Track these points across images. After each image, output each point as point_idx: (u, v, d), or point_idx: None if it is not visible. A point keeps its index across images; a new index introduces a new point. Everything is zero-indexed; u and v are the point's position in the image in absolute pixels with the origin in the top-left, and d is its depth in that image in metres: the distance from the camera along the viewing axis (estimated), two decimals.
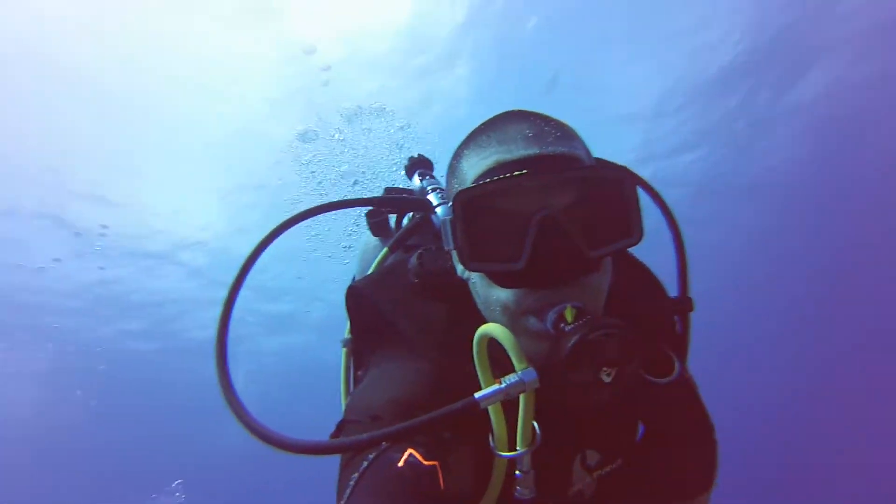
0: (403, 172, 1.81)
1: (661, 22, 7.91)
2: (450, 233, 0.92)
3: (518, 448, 0.88)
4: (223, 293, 1.09)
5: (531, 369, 0.82)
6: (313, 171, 8.22)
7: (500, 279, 0.90)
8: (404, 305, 1.08)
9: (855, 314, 13.17)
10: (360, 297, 1.13)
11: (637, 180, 1.10)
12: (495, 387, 0.83)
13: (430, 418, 0.82)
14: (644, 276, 1.19)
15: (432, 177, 1.67)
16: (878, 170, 10.25)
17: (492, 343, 0.88)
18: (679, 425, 1.11)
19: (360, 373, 1.14)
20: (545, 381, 0.82)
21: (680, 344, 1.17)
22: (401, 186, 1.68)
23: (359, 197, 1.37)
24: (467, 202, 0.88)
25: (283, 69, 8.43)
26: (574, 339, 0.78)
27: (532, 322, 0.88)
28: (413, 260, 1.12)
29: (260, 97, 8.72)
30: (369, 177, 7.85)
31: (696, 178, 10.33)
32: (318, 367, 11.46)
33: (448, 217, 0.92)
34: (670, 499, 1.11)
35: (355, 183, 7.87)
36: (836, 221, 11.47)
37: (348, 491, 0.79)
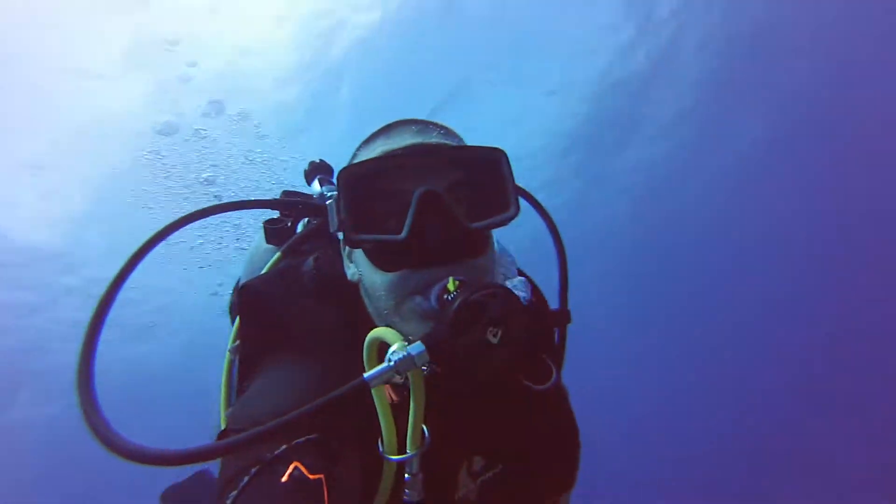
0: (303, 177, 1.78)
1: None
2: (334, 212, 0.93)
3: (407, 451, 0.87)
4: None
5: (419, 342, 0.80)
6: (171, 168, 8.36)
7: (384, 261, 0.90)
8: (297, 306, 1.06)
9: None
10: (253, 295, 1.09)
11: (522, 192, 1.17)
12: (384, 365, 0.80)
13: (318, 406, 0.77)
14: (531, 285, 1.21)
15: (332, 182, 1.66)
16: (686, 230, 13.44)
17: (382, 348, 0.86)
18: (550, 430, 1.16)
19: (245, 384, 1.07)
20: (434, 355, 0.80)
21: (557, 354, 1.21)
22: (296, 190, 1.64)
23: (254, 199, 1.35)
24: (350, 177, 0.90)
25: (146, 59, 8.42)
26: (457, 302, 0.79)
27: (418, 301, 0.88)
28: (309, 262, 1.11)
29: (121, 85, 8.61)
30: (227, 175, 8.09)
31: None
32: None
33: (333, 198, 0.94)
34: (537, 499, 1.15)
35: (209, 183, 8.04)
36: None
37: None
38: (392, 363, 0.79)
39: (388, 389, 0.97)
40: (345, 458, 0.89)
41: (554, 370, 1.12)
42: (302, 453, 0.81)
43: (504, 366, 0.81)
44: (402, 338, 0.83)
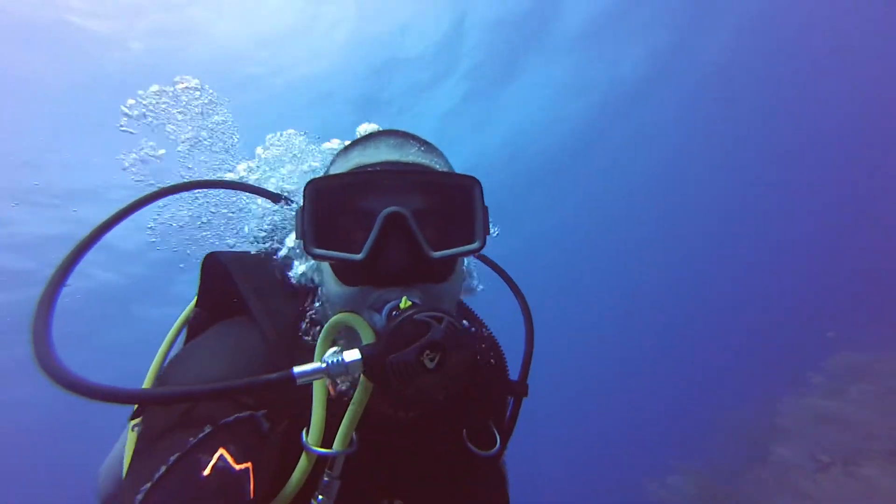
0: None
1: None
2: (298, 221, 0.91)
3: (335, 447, 0.83)
4: None
5: (356, 350, 0.79)
6: None
7: (344, 275, 0.88)
8: (259, 286, 1.02)
9: None
10: (215, 262, 1.07)
11: (484, 258, 1.23)
12: (317, 364, 0.79)
13: (240, 385, 0.75)
14: (495, 350, 1.19)
15: None
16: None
17: (348, 334, 0.88)
18: (482, 501, 1.13)
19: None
20: (367, 367, 0.78)
21: (507, 427, 1.17)
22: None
23: (219, 179, 1.34)
24: (317, 190, 0.88)
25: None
26: (400, 318, 0.77)
27: (374, 318, 0.85)
28: (282, 252, 1.09)
29: None
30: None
31: None
32: None
33: (299, 207, 0.93)
34: None
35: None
36: None
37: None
38: (325, 365, 0.78)
39: (329, 384, 0.92)
40: (273, 445, 0.85)
41: (498, 440, 1.08)
42: (230, 436, 0.76)
43: (433, 392, 0.78)
44: (369, 327, 0.82)
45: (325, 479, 0.85)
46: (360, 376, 0.82)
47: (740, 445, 8.90)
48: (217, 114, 2.10)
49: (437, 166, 0.96)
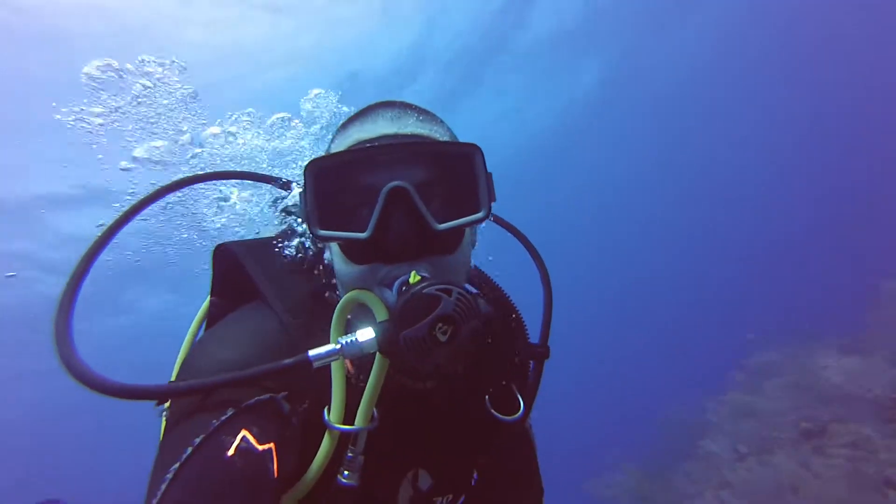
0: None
1: None
2: (301, 203, 0.90)
3: (357, 424, 0.83)
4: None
5: (370, 329, 0.80)
6: None
7: (352, 254, 0.88)
8: (269, 269, 1.03)
9: None
10: (225, 253, 1.07)
11: (501, 221, 1.19)
12: (332, 346, 0.80)
13: (258, 372, 0.78)
14: (511, 314, 1.16)
15: None
16: None
17: (358, 312, 0.89)
18: (512, 475, 1.13)
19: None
20: (382, 345, 0.79)
21: (530, 390, 1.14)
22: None
23: (232, 170, 1.32)
24: (318, 171, 0.87)
25: None
26: (410, 292, 0.77)
27: (385, 294, 0.84)
28: (293, 239, 1.10)
29: None
30: None
31: None
32: None
33: (301, 188, 0.91)
34: None
35: None
36: None
37: (164, 485, 0.69)
38: (340, 346, 0.79)
39: (347, 361, 0.94)
40: (295, 425, 0.86)
41: (522, 405, 1.08)
42: (251, 418, 0.77)
43: (449, 365, 0.78)
44: (381, 303, 0.82)
45: (350, 455, 0.86)
46: (375, 353, 0.82)
47: (674, 441, 9.51)
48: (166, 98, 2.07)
49: (437, 135, 0.94)
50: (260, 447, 0.74)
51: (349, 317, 0.90)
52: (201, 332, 1.21)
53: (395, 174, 0.85)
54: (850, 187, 17.83)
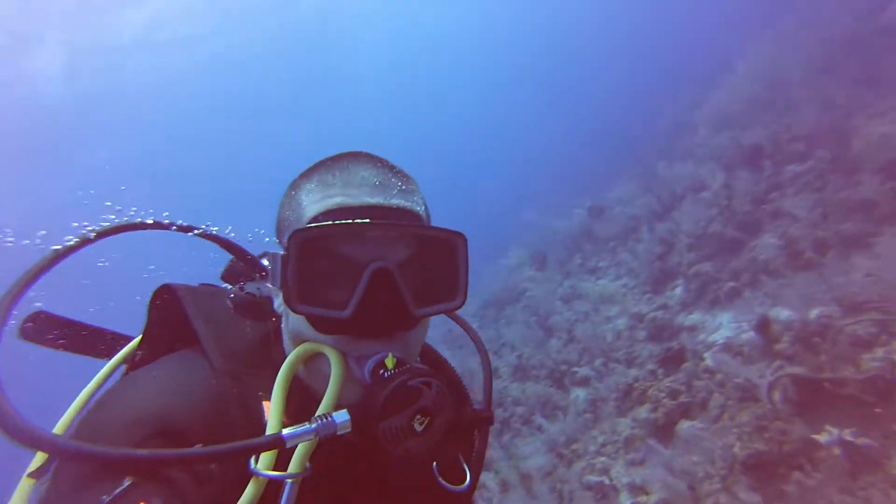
0: None
1: None
2: (279, 269, 0.86)
3: (289, 471, 0.77)
4: None
5: (345, 411, 0.80)
6: None
7: (321, 325, 0.86)
8: (209, 311, 0.99)
9: None
10: (166, 291, 1.02)
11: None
12: (306, 426, 0.77)
13: (224, 450, 0.70)
14: (455, 381, 1.17)
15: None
16: None
17: (313, 362, 0.89)
18: None
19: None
20: (356, 427, 0.79)
21: (477, 458, 1.13)
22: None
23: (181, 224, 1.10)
24: (304, 241, 0.84)
25: None
26: (394, 383, 0.79)
27: (352, 366, 0.85)
28: (234, 287, 1.07)
29: None
30: None
31: None
32: None
33: (280, 253, 0.87)
34: None
35: None
36: None
37: None
38: (315, 425, 0.77)
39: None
40: (213, 480, 0.78)
41: (468, 474, 1.07)
42: (154, 487, 0.68)
43: (418, 452, 0.81)
44: (341, 360, 0.84)
45: None
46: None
47: None
48: None
49: (418, 208, 0.94)
50: None
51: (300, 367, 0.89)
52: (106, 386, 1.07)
53: (379, 252, 0.85)
54: None
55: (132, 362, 1.04)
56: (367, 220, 0.84)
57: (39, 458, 0.86)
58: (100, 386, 1.06)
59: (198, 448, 0.71)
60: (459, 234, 0.93)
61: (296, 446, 0.77)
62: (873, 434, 2.73)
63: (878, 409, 2.78)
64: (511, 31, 25.97)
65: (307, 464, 0.80)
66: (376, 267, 0.83)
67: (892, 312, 3.27)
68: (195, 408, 0.80)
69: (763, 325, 4.05)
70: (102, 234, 1.02)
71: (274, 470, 0.77)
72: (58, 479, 0.73)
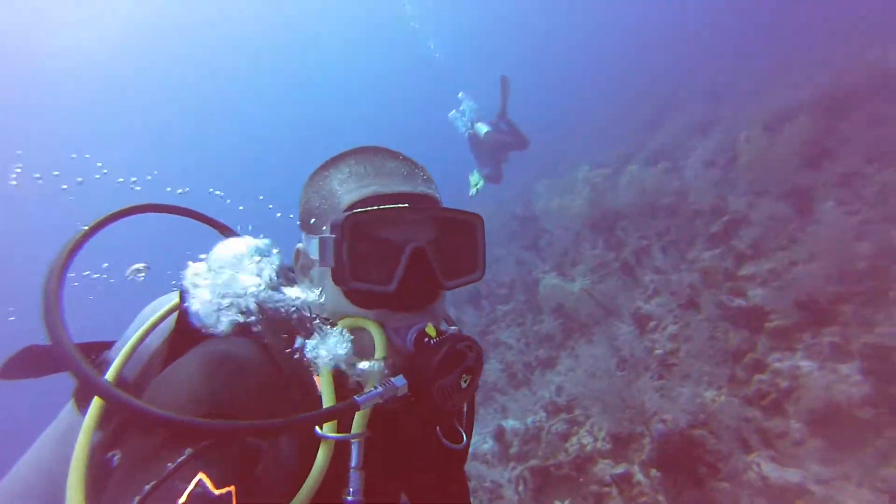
0: None
1: None
2: (331, 251, 0.94)
3: (353, 430, 0.86)
4: None
5: (401, 376, 0.90)
6: None
7: (361, 300, 0.96)
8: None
9: None
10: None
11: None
12: (373, 391, 0.86)
13: (309, 418, 0.78)
14: None
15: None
16: None
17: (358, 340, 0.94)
18: (456, 489, 1.21)
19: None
20: (413, 388, 0.90)
21: (468, 419, 1.25)
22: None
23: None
24: (354, 226, 0.94)
25: None
26: (445, 348, 0.91)
27: (393, 337, 0.96)
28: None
29: None
30: None
31: None
32: None
33: (330, 236, 0.95)
34: None
35: None
36: None
37: None
38: (381, 389, 0.87)
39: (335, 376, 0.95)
40: (271, 454, 0.82)
41: (463, 433, 1.19)
42: (212, 458, 0.71)
43: (460, 405, 0.95)
44: (382, 331, 0.93)
45: (352, 471, 0.86)
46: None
47: None
48: None
49: (437, 194, 1.07)
50: (217, 491, 0.68)
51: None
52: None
53: (413, 233, 0.98)
54: None
55: (181, 335, 1.00)
56: (406, 206, 0.96)
57: (90, 423, 0.85)
58: (141, 340, 1.05)
59: (276, 419, 0.76)
60: (478, 216, 1.07)
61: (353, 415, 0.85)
62: (585, 500, 3.74)
63: (581, 480, 3.85)
64: None
65: (365, 427, 0.88)
66: (413, 246, 0.96)
67: (574, 411, 4.63)
68: (254, 385, 0.84)
69: (499, 435, 5.04)
70: (99, 226, 1.02)
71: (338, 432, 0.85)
72: (129, 448, 0.76)
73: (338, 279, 0.95)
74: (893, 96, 6.00)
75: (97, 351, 1.14)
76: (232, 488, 0.69)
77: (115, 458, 0.78)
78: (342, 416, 0.83)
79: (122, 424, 0.82)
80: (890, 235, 4.01)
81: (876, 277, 3.85)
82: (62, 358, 0.77)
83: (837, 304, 3.85)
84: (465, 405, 1.21)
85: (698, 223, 5.76)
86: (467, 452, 1.19)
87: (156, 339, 1.07)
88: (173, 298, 1.11)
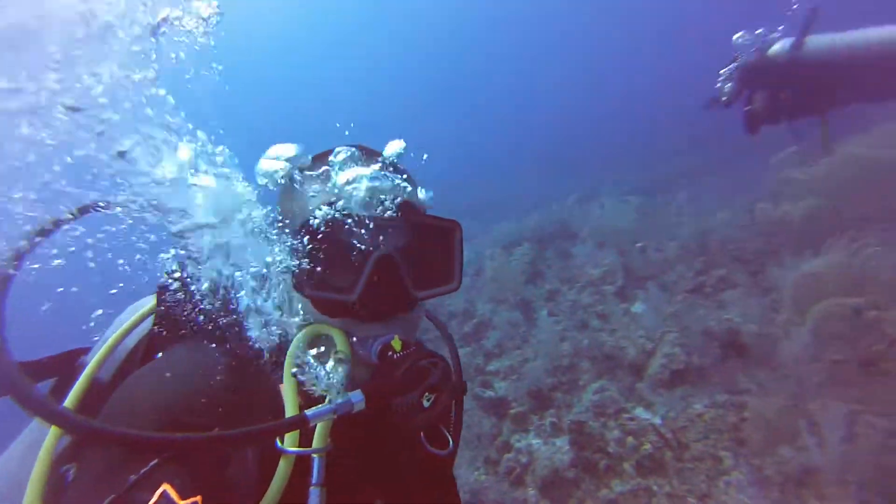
0: None
1: None
2: (294, 257, 0.91)
3: (313, 446, 0.82)
4: None
5: (359, 391, 0.86)
6: None
7: (327, 309, 0.91)
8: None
9: None
10: (181, 285, 1.00)
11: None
12: (325, 405, 0.83)
13: (251, 432, 0.74)
14: (451, 356, 1.22)
15: None
16: None
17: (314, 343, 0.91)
18: (442, 497, 1.17)
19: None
20: (371, 404, 0.85)
21: (455, 426, 1.19)
22: None
23: None
24: (313, 231, 0.89)
25: None
26: (406, 364, 0.86)
27: (357, 348, 0.92)
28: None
29: None
30: None
31: None
32: None
33: (293, 241, 0.92)
34: None
35: None
36: None
37: None
38: (333, 405, 0.83)
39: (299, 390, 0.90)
40: (235, 463, 0.81)
41: (450, 439, 1.13)
42: (177, 468, 0.70)
43: (424, 426, 0.88)
44: (346, 341, 0.89)
45: (312, 488, 0.81)
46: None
47: None
48: None
49: (413, 197, 0.97)
50: (182, 502, 0.66)
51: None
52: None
53: (381, 239, 0.92)
54: None
55: (157, 337, 1.00)
56: (370, 212, 0.90)
57: (53, 435, 0.80)
58: (107, 356, 0.99)
59: (226, 431, 0.73)
60: (454, 222, 0.99)
61: (315, 427, 0.82)
62: None
63: None
64: None
65: (328, 440, 0.85)
66: (379, 254, 0.89)
67: None
68: (215, 396, 0.82)
69: None
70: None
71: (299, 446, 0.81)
72: (88, 462, 0.74)
73: (297, 285, 0.91)
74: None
75: (77, 356, 1.13)
76: (198, 498, 0.68)
77: (71, 472, 0.77)
78: (290, 431, 0.80)
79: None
80: (578, 339, 5.73)
81: (573, 370, 5.40)
82: (3, 381, 0.72)
83: (553, 391, 5.21)
84: (452, 413, 1.19)
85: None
86: (454, 457, 1.16)
87: (132, 341, 1.05)
88: (152, 301, 1.10)
